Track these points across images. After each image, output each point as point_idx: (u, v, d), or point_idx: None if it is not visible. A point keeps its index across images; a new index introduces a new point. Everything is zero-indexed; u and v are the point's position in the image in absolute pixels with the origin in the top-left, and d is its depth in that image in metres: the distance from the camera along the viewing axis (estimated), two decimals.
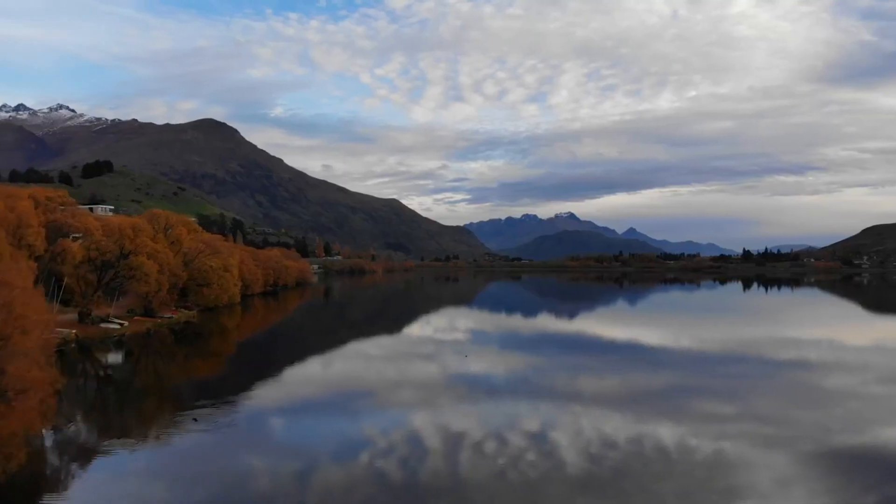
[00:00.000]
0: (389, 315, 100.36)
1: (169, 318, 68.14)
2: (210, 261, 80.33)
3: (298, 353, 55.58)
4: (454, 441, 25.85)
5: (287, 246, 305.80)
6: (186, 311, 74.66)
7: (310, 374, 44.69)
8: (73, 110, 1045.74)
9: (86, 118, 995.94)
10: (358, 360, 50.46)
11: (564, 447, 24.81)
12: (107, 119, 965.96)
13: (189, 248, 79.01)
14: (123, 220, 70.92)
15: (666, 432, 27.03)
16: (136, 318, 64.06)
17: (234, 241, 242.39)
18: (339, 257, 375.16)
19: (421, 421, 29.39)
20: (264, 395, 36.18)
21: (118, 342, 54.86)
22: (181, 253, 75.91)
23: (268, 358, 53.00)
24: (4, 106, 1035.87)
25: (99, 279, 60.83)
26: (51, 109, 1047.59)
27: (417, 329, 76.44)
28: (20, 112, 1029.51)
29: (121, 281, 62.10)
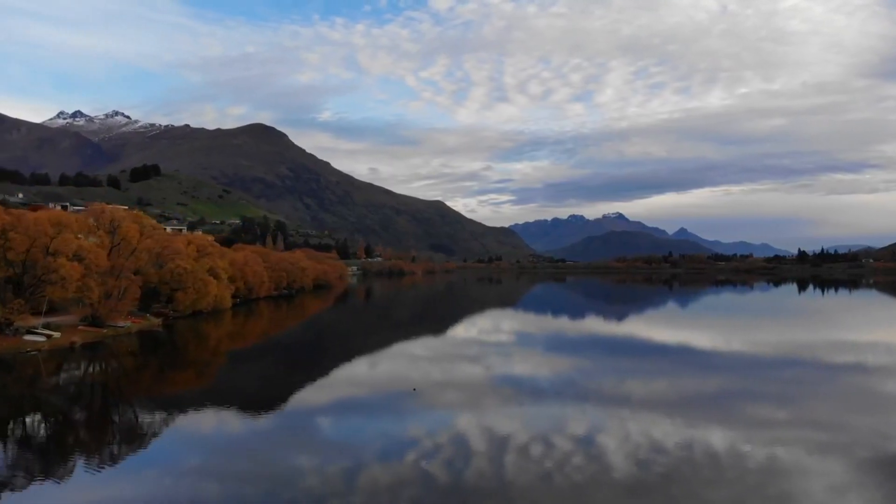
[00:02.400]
0: (423, 319, 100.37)
1: (122, 326, 59.94)
2: (184, 262, 72.75)
3: (279, 374, 46.33)
4: (499, 443, 25.88)
5: (328, 248, 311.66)
6: (151, 319, 67.08)
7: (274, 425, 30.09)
8: (127, 117, 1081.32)
9: (140, 124, 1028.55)
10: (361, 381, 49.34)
11: (612, 451, 24.61)
12: (160, 125, 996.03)
13: (146, 247, 68.79)
14: (45, 214, 62.06)
15: (717, 437, 26.56)
16: (80, 327, 56.36)
17: (275, 243, 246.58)
18: (380, 259, 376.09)
19: (466, 423, 29.44)
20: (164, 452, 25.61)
21: (35, 358, 46.82)
22: (139, 253, 66.37)
23: (228, 382, 42.92)
24: (62, 113, 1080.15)
25: (18, 283, 52.25)
26: (107, 116, 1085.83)
27: (462, 331, 76.43)
28: (77, 119, 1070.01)
29: (42, 286, 53.08)
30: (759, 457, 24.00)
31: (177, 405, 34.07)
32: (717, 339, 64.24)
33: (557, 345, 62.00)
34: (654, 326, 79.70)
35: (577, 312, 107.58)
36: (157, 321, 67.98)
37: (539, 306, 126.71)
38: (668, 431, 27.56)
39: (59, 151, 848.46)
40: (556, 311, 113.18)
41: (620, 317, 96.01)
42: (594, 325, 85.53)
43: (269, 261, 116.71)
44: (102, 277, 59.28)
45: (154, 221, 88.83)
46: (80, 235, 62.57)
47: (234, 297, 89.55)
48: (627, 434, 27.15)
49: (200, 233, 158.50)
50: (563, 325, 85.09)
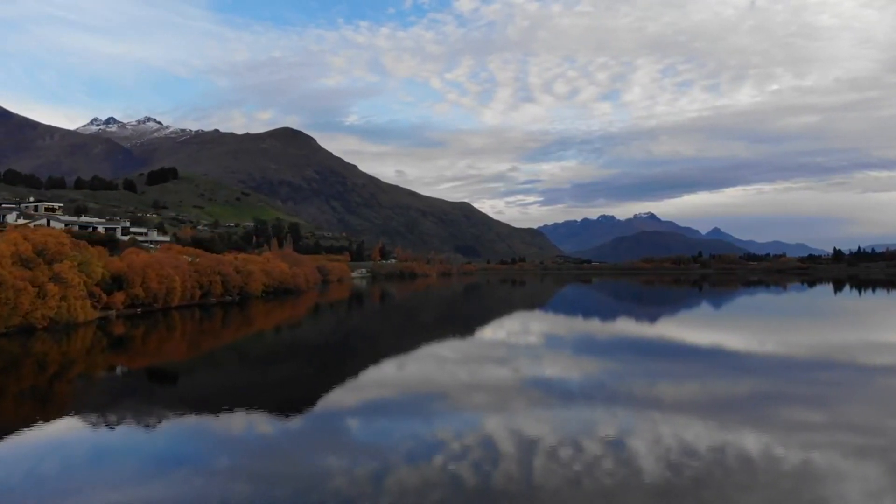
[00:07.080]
0: (439, 325, 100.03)
1: None
2: None
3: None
4: (528, 446, 25.70)
5: (341, 250, 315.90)
6: None
7: None
8: (159, 122, 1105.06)
9: (171, 130, 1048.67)
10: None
11: (642, 455, 24.31)
12: (190, 130, 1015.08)
13: None
14: None
15: (750, 441, 26.11)
16: None
17: (281, 246, 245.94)
18: (394, 260, 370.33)
19: (494, 426, 29.32)
20: None
21: None
22: None
23: None
24: (95, 119, 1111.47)
25: None
26: (139, 122, 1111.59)
27: (489, 333, 76.10)
28: (110, 125, 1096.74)
29: None
30: (794, 460, 23.54)
31: None
32: (749, 340, 63.19)
33: (586, 347, 61.49)
34: (685, 328, 78.71)
35: (605, 315, 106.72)
36: None
37: (566, 308, 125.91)
38: (699, 434, 27.16)
39: (92, 157, 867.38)
40: (586, 313, 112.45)
41: (651, 318, 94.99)
42: (624, 327, 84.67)
43: (198, 263, 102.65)
44: None
45: None
46: None
47: (134, 305, 80.00)
48: (658, 437, 26.81)
49: (76, 228, 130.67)
50: (592, 327, 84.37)
